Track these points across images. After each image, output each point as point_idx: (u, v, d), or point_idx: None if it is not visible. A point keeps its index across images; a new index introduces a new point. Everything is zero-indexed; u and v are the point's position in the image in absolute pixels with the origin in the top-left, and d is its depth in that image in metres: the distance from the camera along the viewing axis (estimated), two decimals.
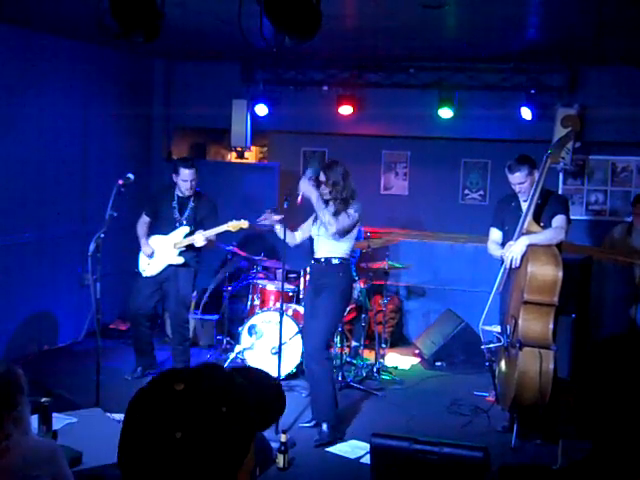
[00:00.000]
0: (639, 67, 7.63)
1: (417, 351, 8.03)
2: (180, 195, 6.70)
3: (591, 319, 7.44)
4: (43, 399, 3.96)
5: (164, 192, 6.82)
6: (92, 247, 5.85)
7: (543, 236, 5.46)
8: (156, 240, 6.73)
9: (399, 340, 8.43)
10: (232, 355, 7.16)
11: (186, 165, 6.62)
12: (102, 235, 6.04)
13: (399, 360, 7.77)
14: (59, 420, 4.21)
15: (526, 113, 7.94)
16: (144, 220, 6.85)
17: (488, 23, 6.30)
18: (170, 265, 6.69)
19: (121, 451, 1.25)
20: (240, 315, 7.90)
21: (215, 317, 7.98)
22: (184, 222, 6.67)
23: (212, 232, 6.57)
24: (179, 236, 6.65)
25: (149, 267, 6.73)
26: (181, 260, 6.66)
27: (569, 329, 6.84)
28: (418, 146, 9.38)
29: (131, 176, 6.31)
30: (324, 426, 5.64)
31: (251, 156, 11.18)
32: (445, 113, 8.22)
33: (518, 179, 5.66)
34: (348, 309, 7.17)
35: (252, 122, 8.80)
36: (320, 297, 5.66)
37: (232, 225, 6.55)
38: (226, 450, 1.25)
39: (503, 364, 5.65)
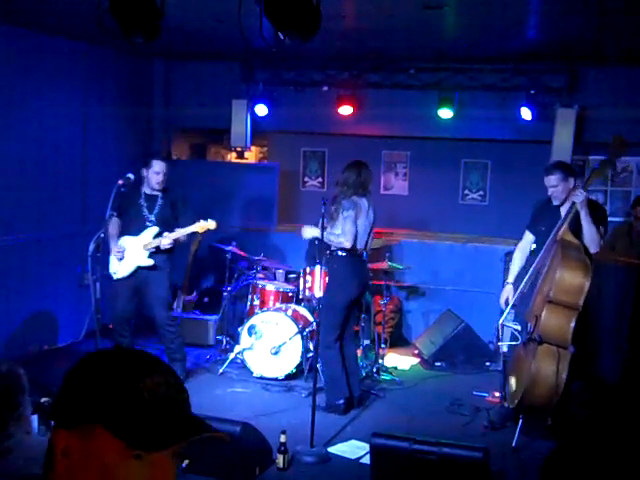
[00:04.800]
0: (638, 67, 7.64)
1: (417, 351, 8.02)
2: (148, 193, 6.55)
3: (591, 318, 7.43)
4: (43, 399, 3.96)
5: (132, 190, 6.47)
6: (92, 247, 5.84)
7: (593, 226, 5.50)
8: (126, 241, 6.56)
9: (399, 340, 8.42)
10: (232, 355, 7.16)
11: (159, 157, 6.57)
12: (102, 235, 6.03)
13: (399, 360, 7.77)
14: None
15: (526, 113, 7.95)
16: (114, 221, 6.54)
17: (488, 24, 6.30)
18: (140, 267, 6.53)
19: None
20: (240, 315, 7.90)
21: (215, 317, 7.98)
22: (153, 220, 6.51)
23: (178, 234, 6.45)
24: (148, 237, 6.51)
25: (120, 269, 6.56)
26: (151, 262, 6.51)
27: None
28: (418, 146, 9.39)
29: (131, 176, 6.30)
30: (323, 404, 6.16)
31: (251, 156, 11.20)
32: (445, 113, 8.22)
33: (551, 182, 5.71)
34: None
35: (252, 122, 8.79)
36: (327, 287, 6.07)
37: (200, 226, 6.43)
38: None
39: (517, 361, 5.65)
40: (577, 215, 5.52)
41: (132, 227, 6.54)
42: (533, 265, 5.68)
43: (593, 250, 5.60)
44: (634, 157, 8.40)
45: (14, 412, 2.74)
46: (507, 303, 5.89)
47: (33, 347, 7.40)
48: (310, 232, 6.33)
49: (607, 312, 7.33)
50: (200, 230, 6.49)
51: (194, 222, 6.46)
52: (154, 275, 6.56)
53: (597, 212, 5.72)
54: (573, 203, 5.49)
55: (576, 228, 5.57)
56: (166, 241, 6.41)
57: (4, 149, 6.94)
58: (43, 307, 7.61)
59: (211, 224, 6.45)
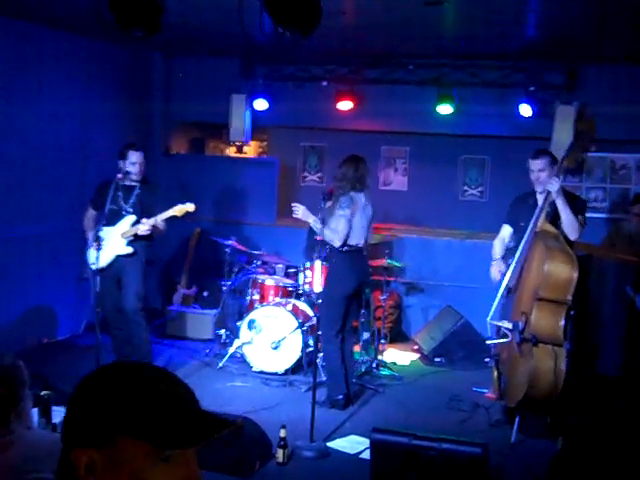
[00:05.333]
0: (638, 64, 7.64)
1: (416, 347, 8.03)
2: (126, 184, 6.45)
3: (590, 315, 7.45)
4: (43, 392, 3.97)
5: (109, 182, 6.38)
6: (91, 241, 5.85)
7: (570, 213, 5.56)
8: (104, 232, 6.32)
9: (398, 336, 8.43)
10: (231, 349, 7.17)
11: (134, 148, 6.46)
12: (101, 229, 6.05)
13: (398, 356, 7.78)
14: (58, 413, 4.22)
15: (525, 110, 7.95)
16: (90, 214, 6.61)
17: (488, 20, 6.30)
18: (119, 256, 6.46)
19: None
20: (239, 309, 7.90)
21: (214, 311, 7.98)
22: (130, 210, 6.45)
23: (157, 219, 6.35)
24: (126, 225, 6.45)
25: (99, 259, 6.24)
26: (130, 250, 6.44)
27: (568, 325, 6.84)
28: (417, 142, 9.39)
29: (130, 170, 6.31)
30: (323, 397, 6.21)
31: (250, 151, 11.19)
32: (444, 109, 8.22)
33: (539, 165, 5.76)
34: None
35: (251, 117, 8.78)
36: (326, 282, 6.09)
37: (178, 210, 6.32)
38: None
39: (511, 360, 5.65)
40: (554, 205, 5.57)
41: (110, 219, 6.38)
42: (515, 259, 5.68)
43: (573, 237, 5.67)
44: (633, 154, 8.41)
45: (16, 406, 2.74)
46: (502, 274, 5.87)
47: (32, 340, 7.41)
48: (305, 214, 6.21)
49: (607, 310, 7.35)
50: (179, 213, 6.36)
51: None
52: (131, 263, 6.50)
53: (575, 202, 5.78)
54: (548, 192, 5.55)
55: (554, 219, 5.63)
56: (144, 227, 6.33)
57: (3, 144, 6.92)
58: (43, 300, 7.60)
59: (189, 207, 6.34)
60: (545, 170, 5.75)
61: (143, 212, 6.44)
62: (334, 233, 6.08)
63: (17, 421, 2.73)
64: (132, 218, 6.44)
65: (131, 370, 1.34)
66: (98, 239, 5.87)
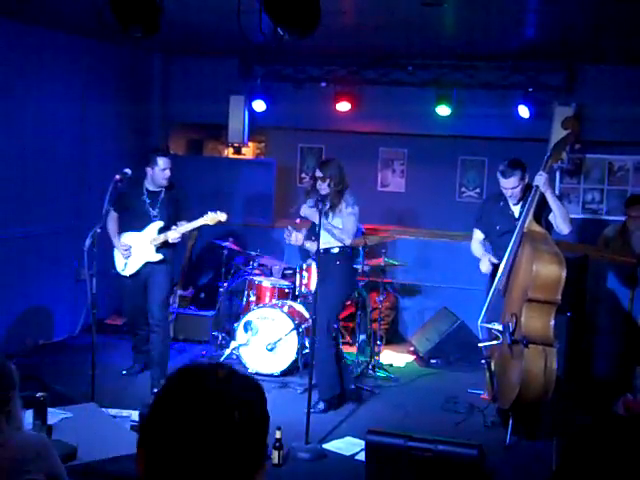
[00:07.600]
0: (637, 66, 7.64)
1: (412, 348, 8.03)
2: (151, 189, 6.44)
3: (587, 317, 7.45)
4: (38, 394, 3.95)
5: (133, 186, 6.40)
6: (88, 242, 5.84)
7: (561, 204, 5.63)
8: (130, 237, 6.48)
9: (394, 337, 8.42)
10: (227, 351, 7.16)
11: (162, 154, 6.47)
12: (98, 230, 6.03)
13: (394, 357, 7.77)
14: (54, 415, 4.21)
15: (523, 111, 7.95)
16: (112, 216, 6.55)
17: (487, 21, 6.30)
18: (148, 262, 6.47)
19: (166, 437, 1.22)
20: (236, 311, 7.90)
21: (211, 313, 7.97)
22: (157, 216, 6.43)
23: (187, 227, 6.38)
24: (153, 232, 6.42)
25: (128, 266, 6.50)
26: (160, 257, 6.43)
27: (564, 327, 6.85)
28: (415, 143, 9.38)
29: (128, 171, 6.27)
30: (320, 404, 6.15)
31: (248, 152, 11.19)
32: (443, 111, 8.22)
33: (512, 184, 5.70)
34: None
35: (250, 118, 8.78)
36: (322, 285, 5.94)
37: (210, 218, 6.31)
38: (265, 431, 1.30)
39: (503, 362, 5.64)
40: (538, 201, 5.55)
41: (135, 223, 6.45)
42: (504, 261, 5.66)
43: (567, 230, 5.68)
44: (631, 156, 8.41)
45: (4, 407, 2.74)
46: (492, 264, 5.84)
47: (29, 341, 7.40)
48: (308, 211, 6.22)
49: (603, 310, 7.35)
50: (211, 222, 6.35)
51: (200, 216, 6.36)
52: (159, 269, 6.50)
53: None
54: (536, 187, 5.52)
55: (539, 215, 5.63)
56: (175, 235, 6.33)
57: (2, 144, 6.92)
58: (39, 301, 7.60)
59: (221, 216, 6.33)
60: (519, 185, 5.70)
61: (169, 218, 6.43)
62: (344, 233, 6.06)
63: (6, 422, 2.72)
64: (160, 224, 6.41)
65: None
66: (94, 242, 5.86)
